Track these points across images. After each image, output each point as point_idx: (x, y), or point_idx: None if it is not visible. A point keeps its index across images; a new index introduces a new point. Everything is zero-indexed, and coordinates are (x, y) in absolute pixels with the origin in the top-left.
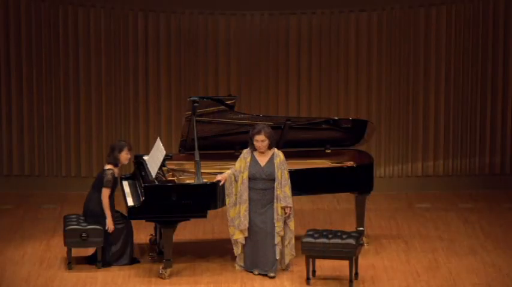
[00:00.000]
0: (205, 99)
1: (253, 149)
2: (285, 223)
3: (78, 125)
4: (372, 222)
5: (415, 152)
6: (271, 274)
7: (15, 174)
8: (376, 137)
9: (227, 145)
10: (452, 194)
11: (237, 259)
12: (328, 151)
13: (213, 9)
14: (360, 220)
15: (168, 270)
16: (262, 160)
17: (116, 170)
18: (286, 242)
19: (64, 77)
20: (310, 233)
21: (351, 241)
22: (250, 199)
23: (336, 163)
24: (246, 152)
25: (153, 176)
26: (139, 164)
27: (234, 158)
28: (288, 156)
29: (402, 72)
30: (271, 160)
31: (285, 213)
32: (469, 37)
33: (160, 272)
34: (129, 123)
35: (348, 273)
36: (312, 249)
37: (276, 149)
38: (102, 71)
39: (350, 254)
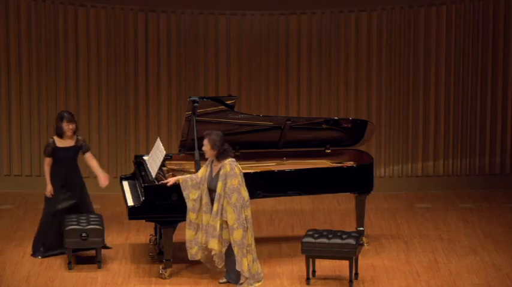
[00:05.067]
0: (205, 99)
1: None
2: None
3: (78, 125)
4: (372, 222)
5: (415, 152)
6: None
7: (15, 174)
8: (376, 137)
9: None
10: (452, 194)
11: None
12: (328, 151)
13: (213, 9)
14: (360, 220)
15: (168, 270)
16: (214, 170)
17: (62, 141)
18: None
19: (64, 77)
20: (310, 233)
21: (351, 241)
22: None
23: (336, 163)
24: (208, 160)
25: (153, 176)
26: (139, 164)
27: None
28: (288, 156)
29: (402, 72)
30: (219, 171)
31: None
32: (469, 37)
33: (160, 272)
34: (129, 123)
35: (348, 273)
36: (312, 249)
37: (226, 161)
38: (102, 71)
39: (350, 254)
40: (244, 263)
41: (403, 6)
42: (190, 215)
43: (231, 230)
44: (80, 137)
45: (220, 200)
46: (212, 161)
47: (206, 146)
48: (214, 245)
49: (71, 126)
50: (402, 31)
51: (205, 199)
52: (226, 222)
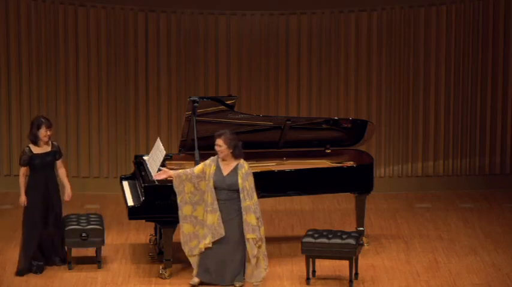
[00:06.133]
0: (205, 99)
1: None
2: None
3: (77, 126)
4: (372, 222)
5: (415, 152)
6: (238, 284)
7: (15, 174)
8: (376, 137)
9: None
10: (452, 194)
11: (194, 274)
12: (328, 151)
13: (213, 9)
14: (360, 220)
15: (168, 270)
16: (226, 169)
17: (37, 147)
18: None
19: (64, 77)
20: (310, 233)
21: (351, 241)
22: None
23: (336, 163)
24: (212, 159)
25: (153, 176)
26: (139, 164)
27: None
28: (288, 156)
29: (402, 72)
30: (234, 170)
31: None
32: (469, 37)
33: (160, 272)
34: (129, 123)
35: (348, 273)
36: (312, 249)
37: (242, 161)
38: (102, 71)
39: (350, 254)
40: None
41: (403, 6)
42: (186, 210)
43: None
44: (54, 143)
45: (250, 198)
46: (218, 160)
47: (222, 146)
48: (258, 238)
49: (49, 132)
50: (402, 31)
51: (211, 198)
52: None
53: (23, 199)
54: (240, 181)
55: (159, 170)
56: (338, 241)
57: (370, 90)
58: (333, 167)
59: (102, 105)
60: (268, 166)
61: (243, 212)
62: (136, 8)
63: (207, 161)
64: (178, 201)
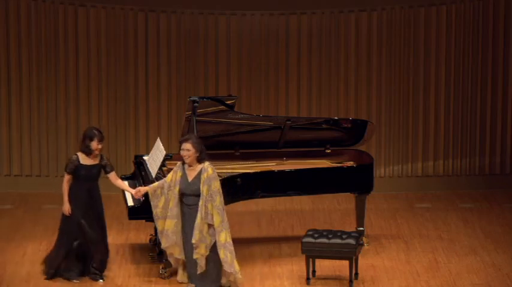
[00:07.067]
0: (205, 99)
1: (184, 162)
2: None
3: (78, 125)
4: (372, 222)
5: (415, 152)
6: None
7: (15, 174)
8: (376, 137)
9: (227, 145)
10: (452, 194)
11: (178, 276)
12: (328, 151)
13: (213, 9)
14: (360, 220)
15: (168, 270)
16: (191, 175)
17: (86, 158)
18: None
19: (64, 77)
20: (310, 233)
21: (351, 241)
22: (182, 214)
23: (336, 163)
24: (178, 166)
25: (153, 176)
26: (139, 164)
27: (234, 158)
28: (288, 156)
29: (402, 72)
30: (198, 175)
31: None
32: (469, 37)
33: (160, 272)
34: (129, 123)
35: (348, 273)
36: (312, 249)
37: (206, 164)
38: (102, 71)
39: (350, 254)
40: (236, 264)
41: (403, 6)
42: (160, 225)
43: (217, 233)
44: (104, 156)
45: (207, 203)
46: (184, 166)
47: (190, 150)
48: (202, 249)
49: (101, 145)
50: (402, 31)
51: (172, 204)
52: (210, 225)
53: (66, 207)
54: (200, 185)
55: (159, 174)
56: (338, 241)
57: (370, 90)
58: (333, 167)
59: (102, 105)
60: (268, 166)
61: (198, 214)
62: (136, 8)
63: (175, 168)
64: (153, 215)
